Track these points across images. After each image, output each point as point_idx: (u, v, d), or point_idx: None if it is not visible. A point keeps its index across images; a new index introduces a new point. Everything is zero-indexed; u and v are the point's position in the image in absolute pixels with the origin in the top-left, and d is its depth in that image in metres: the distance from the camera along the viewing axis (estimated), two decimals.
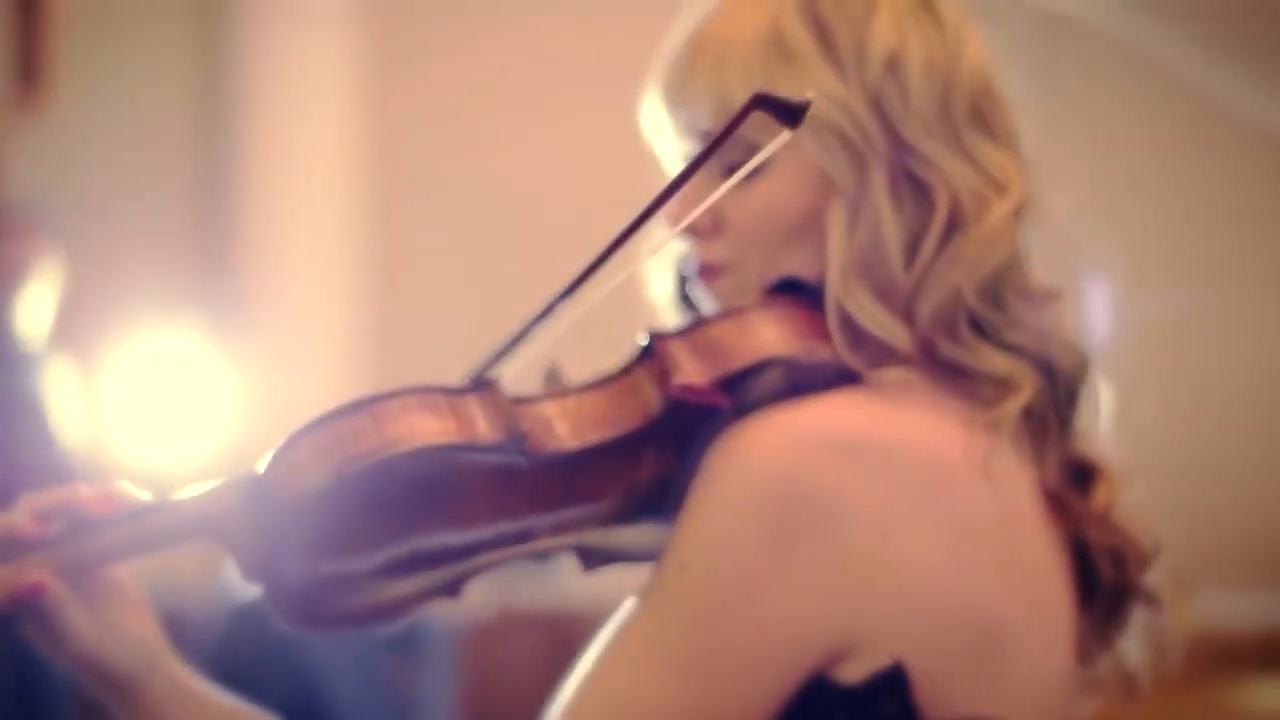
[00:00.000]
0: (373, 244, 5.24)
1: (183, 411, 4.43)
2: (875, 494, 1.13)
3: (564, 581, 4.25)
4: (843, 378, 1.18)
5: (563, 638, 4.67)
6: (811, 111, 1.19)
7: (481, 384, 1.17)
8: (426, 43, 5.47)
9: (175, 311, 4.81)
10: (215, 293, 5.13)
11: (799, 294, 1.23)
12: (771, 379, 1.17)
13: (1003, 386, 1.21)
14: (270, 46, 5.06)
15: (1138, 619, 1.30)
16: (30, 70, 4.85)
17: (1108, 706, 1.33)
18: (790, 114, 1.17)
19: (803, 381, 1.17)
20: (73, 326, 4.79)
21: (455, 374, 1.22)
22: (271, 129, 5.07)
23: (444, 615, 3.40)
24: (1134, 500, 1.29)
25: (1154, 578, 1.28)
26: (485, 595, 3.29)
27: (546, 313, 1.22)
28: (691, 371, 1.17)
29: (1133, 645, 1.30)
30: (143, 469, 4.35)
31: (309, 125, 5.09)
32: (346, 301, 5.16)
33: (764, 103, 1.17)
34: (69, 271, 4.83)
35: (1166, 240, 5.36)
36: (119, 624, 1.27)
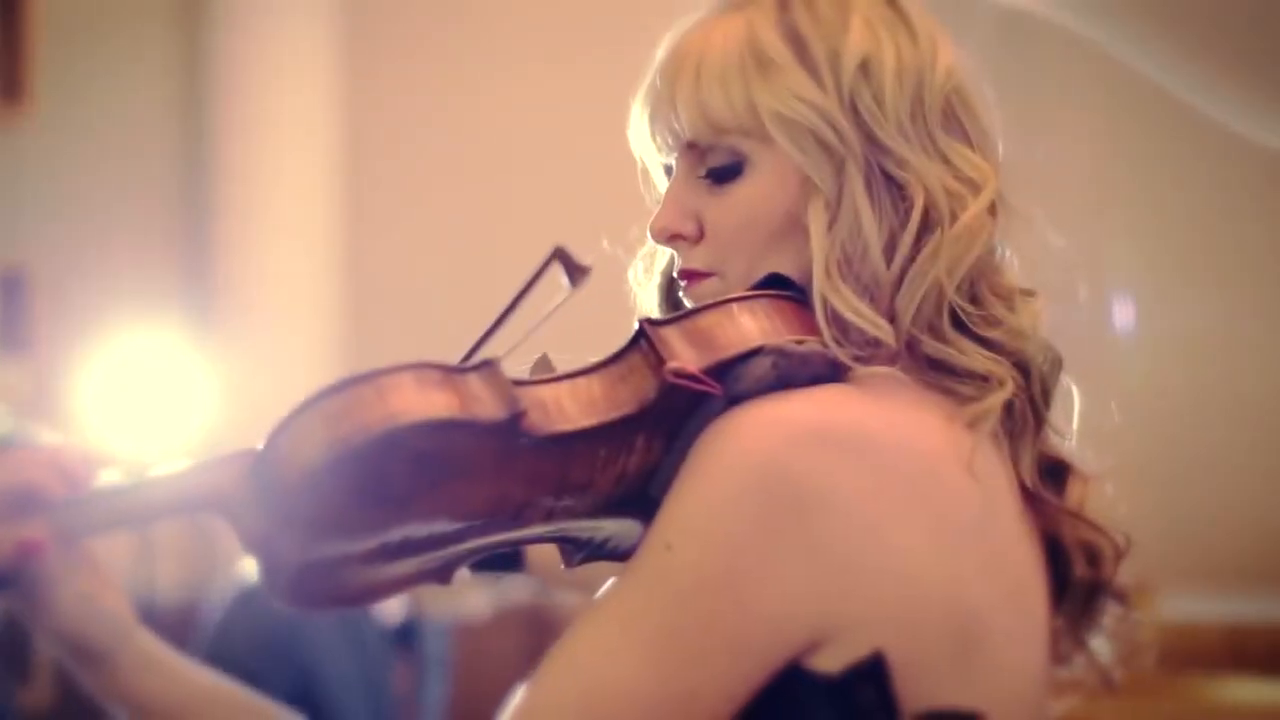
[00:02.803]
0: (348, 244, 5.24)
1: (161, 407, 4.42)
2: (861, 485, 1.14)
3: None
4: (831, 371, 1.21)
5: (550, 638, 4.67)
6: (789, 115, 1.25)
7: (482, 363, 1.18)
8: (404, 49, 5.48)
9: (154, 310, 4.81)
10: (194, 292, 5.13)
11: (786, 290, 1.25)
12: (761, 369, 1.18)
13: (984, 383, 1.23)
14: (248, 53, 5.06)
15: (1110, 616, 1.32)
16: (10, 80, 4.84)
17: (1082, 701, 1.34)
18: (573, 272, 1.24)
19: (791, 373, 1.19)
20: (55, 325, 4.79)
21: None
22: (248, 134, 5.07)
23: (441, 611, 3.41)
24: (1106, 503, 1.31)
25: (1125, 574, 1.31)
26: (480, 593, 3.30)
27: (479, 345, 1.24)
28: (685, 358, 1.18)
29: (1105, 643, 1.32)
30: (122, 462, 4.35)
31: (286, 130, 5.09)
32: (322, 301, 5.16)
33: (559, 255, 1.24)
34: (52, 272, 4.84)
35: (1136, 243, 5.38)
36: (92, 596, 1.29)
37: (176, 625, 3.99)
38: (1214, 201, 5.51)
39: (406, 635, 3.44)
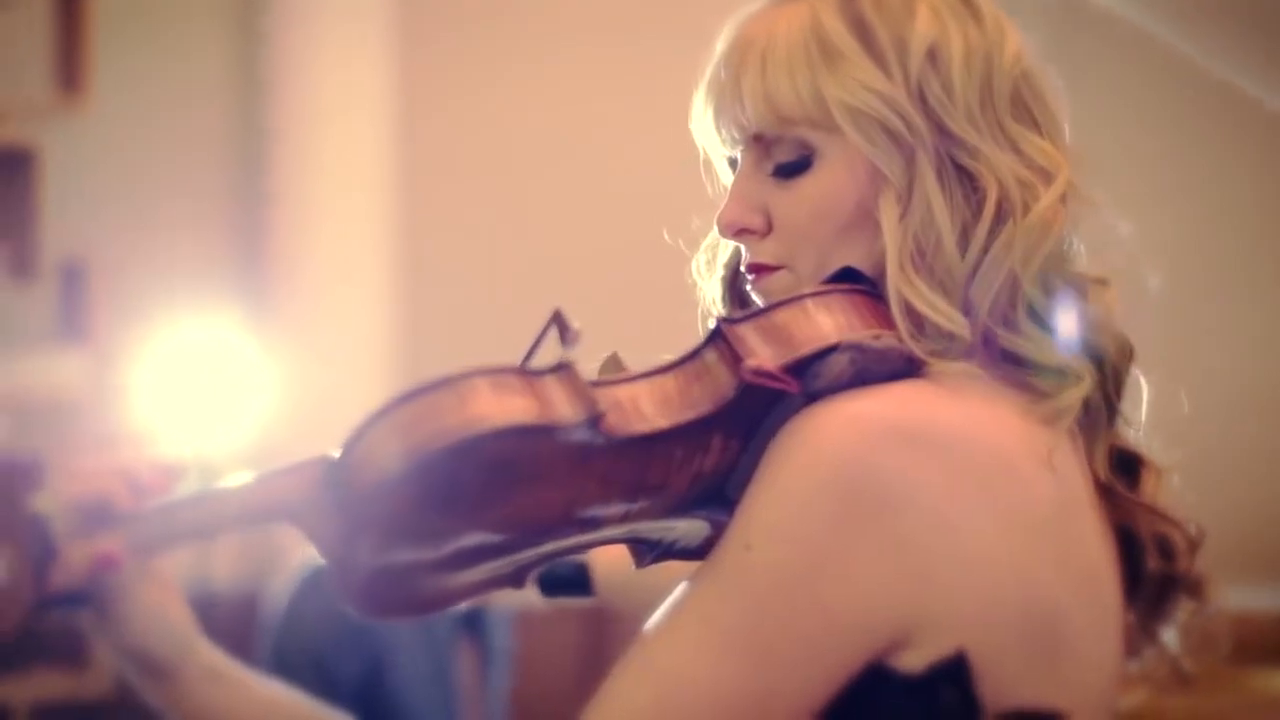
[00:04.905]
0: (405, 235, 5.24)
1: (218, 400, 4.44)
2: (939, 482, 1.13)
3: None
4: (907, 366, 1.19)
5: (607, 632, 4.67)
6: (857, 105, 1.23)
7: (558, 365, 1.16)
8: (460, 36, 5.48)
9: (212, 300, 4.83)
10: (251, 283, 5.14)
11: (858, 284, 1.24)
12: (839, 365, 1.17)
13: (1061, 378, 1.22)
14: (305, 43, 5.07)
15: (1183, 609, 1.30)
16: (69, 70, 4.86)
17: (1150, 693, 1.33)
18: (564, 334, 1.20)
19: (869, 369, 1.18)
20: (113, 315, 4.82)
21: (487, 363, 1.21)
22: (306, 123, 5.07)
23: (506, 601, 3.42)
24: (1175, 494, 1.29)
25: (1199, 566, 1.29)
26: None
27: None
28: (763, 355, 1.17)
29: (1177, 636, 1.31)
30: (179, 456, 4.36)
31: (342, 119, 5.10)
32: (380, 291, 5.16)
33: (556, 318, 1.22)
34: (110, 263, 4.86)
35: (1185, 233, 5.35)
36: (156, 608, 1.29)
37: (237, 617, 4.01)
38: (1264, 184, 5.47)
39: (473, 623, 3.45)
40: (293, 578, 3.37)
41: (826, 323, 1.19)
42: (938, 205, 1.22)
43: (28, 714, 4.65)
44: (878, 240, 1.24)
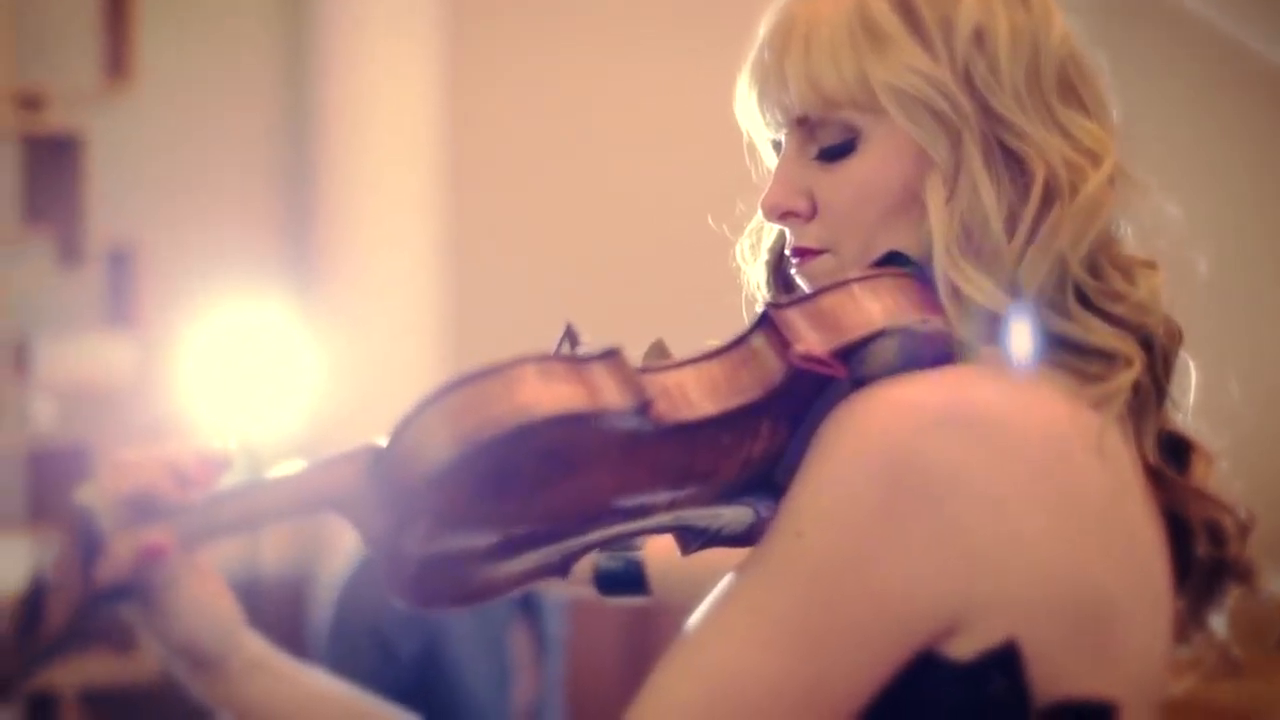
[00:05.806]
0: (452, 220, 5.25)
1: (265, 384, 4.45)
2: (988, 469, 1.12)
3: None
4: (956, 351, 1.18)
5: (655, 623, 4.67)
6: (903, 87, 1.22)
7: (606, 352, 1.15)
8: (508, 18, 5.48)
9: (260, 285, 4.84)
10: (298, 269, 5.16)
11: (904, 268, 1.23)
12: (887, 351, 1.16)
13: (1110, 361, 1.21)
14: (353, 26, 5.08)
15: (1232, 595, 1.29)
16: (116, 56, 4.88)
17: (1199, 681, 1.32)
18: (575, 348, 1.19)
19: (917, 354, 1.17)
20: (160, 300, 4.84)
21: (533, 346, 1.21)
22: (353, 107, 5.08)
23: (558, 588, 3.42)
24: (1224, 479, 1.28)
25: (1249, 552, 1.28)
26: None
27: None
28: (811, 341, 1.16)
29: (1227, 622, 1.30)
30: (226, 446, 4.37)
31: (390, 102, 5.10)
32: (426, 276, 5.17)
33: (568, 333, 1.21)
34: (157, 248, 4.88)
35: (1234, 216, 5.31)
36: (202, 600, 1.29)
37: (284, 605, 4.03)
38: None
39: (528, 608, 3.46)
40: (352, 554, 3.38)
41: (874, 307, 1.18)
42: (984, 188, 1.21)
43: (75, 698, 4.68)
44: (923, 223, 1.23)
